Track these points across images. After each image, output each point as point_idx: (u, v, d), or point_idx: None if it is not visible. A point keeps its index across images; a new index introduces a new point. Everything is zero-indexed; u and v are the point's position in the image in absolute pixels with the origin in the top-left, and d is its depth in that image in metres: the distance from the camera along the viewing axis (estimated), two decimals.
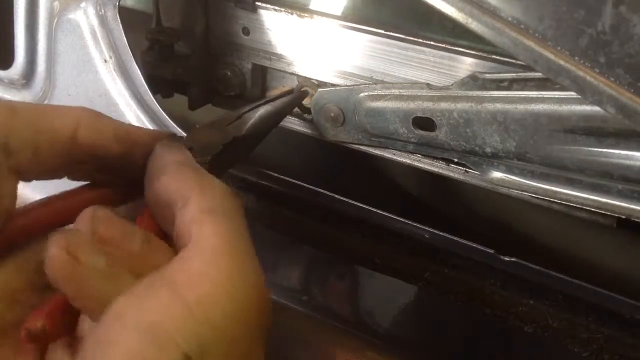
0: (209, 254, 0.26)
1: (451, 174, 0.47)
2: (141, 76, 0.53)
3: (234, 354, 0.24)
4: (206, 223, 0.27)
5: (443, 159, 0.47)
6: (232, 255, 0.26)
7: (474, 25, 0.34)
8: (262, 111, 0.42)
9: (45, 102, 0.57)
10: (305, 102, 0.51)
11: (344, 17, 0.48)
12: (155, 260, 0.28)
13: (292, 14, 0.49)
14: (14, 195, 0.28)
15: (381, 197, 0.59)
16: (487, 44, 0.37)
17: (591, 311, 0.48)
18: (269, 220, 0.55)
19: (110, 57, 0.54)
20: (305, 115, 0.52)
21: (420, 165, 0.48)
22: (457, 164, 0.46)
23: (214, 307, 0.24)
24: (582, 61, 0.32)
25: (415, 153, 0.48)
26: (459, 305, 0.50)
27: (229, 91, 0.56)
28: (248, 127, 0.41)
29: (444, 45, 0.44)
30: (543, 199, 0.43)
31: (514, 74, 0.40)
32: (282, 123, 0.54)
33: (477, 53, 0.43)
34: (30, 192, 0.31)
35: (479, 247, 0.51)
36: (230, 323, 0.24)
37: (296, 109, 0.53)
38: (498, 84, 0.41)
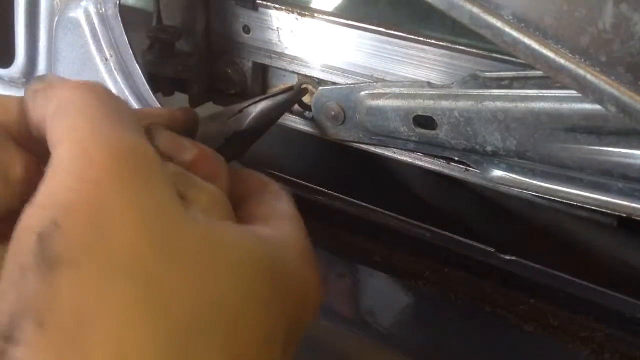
0: (54, 160, 0.22)
1: (452, 173, 0.47)
2: (142, 75, 0.53)
3: (101, 208, 0.21)
4: (49, 131, 0.24)
5: (444, 158, 0.47)
6: (74, 141, 0.22)
7: (474, 24, 0.34)
8: (262, 106, 0.43)
9: None
10: (306, 99, 0.52)
11: (345, 16, 0.48)
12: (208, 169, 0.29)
13: (292, 12, 0.49)
14: None
15: (382, 195, 0.59)
16: (487, 42, 0.37)
17: (592, 310, 0.48)
18: None
19: (111, 56, 0.54)
20: (306, 113, 0.52)
21: (421, 163, 0.48)
22: (457, 162, 0.46)
23: (59, 190, 0.21)
24: (583, 60, 0.32)
25: (416, 152, 0.48)
26: (459, 304, 0.50)
27: (229, 89, 0.56)
28: (249, 121, 0.41)
29: (444, 44, 0.44)
30: (544, 197, 0.43)
31: (515, 73, 0.40)
32: (282, 121, 0.54)
33: (477, 52, 0.43)
34: None
35: (480, 245, 0.51)
36: (77, 190, 0.21)
37: (297, 107, 0.53)
38: (499, 83, 0.41)
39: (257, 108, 0.42)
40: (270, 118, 0.43)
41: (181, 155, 0.30)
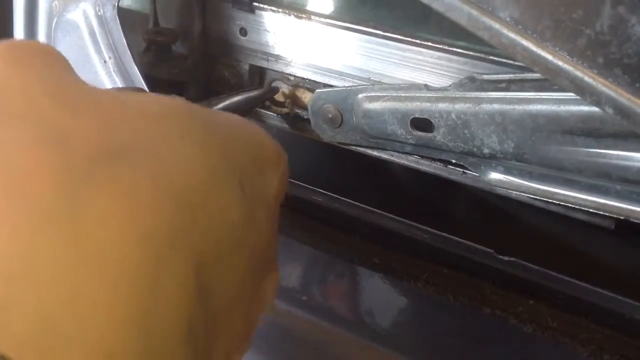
0: None
1: (449, 175, 0.47)
2: (140, 77, 0.53)
3: None
4: None
5: (441, 160, 0.47)
6: None
7: (472, 25, 0.34)
8: (228, 102, 0.45)
9: None
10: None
11: (342, 18, 0.48)
12: None
13: (289, 14, 0.49)
14: None
15: (380, 197, 0.59)
16: (485, 45, 0.36)
17: (591, 311, 0.48)
18: None
19: (110, 58, 0.54)
20: (283, 110, 0.53)
21: (418, 166, 0.48)
22: (455, 165, 0.46)
23: None
24: (580, 62, 0.32)
25: (413, 154, 0.48)
26: (458, 306, 0.50)
27: (226, 92, 0.56)
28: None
29: (441, 47, 0.44)
30: (541, 199, 0.43)
31: (512, 75, 0.40)
32: (280, 124, 0.54)
33: (475, 54, 0.43)
34: None
35: (478, 246, 0.51)
36: None
37: (296, 110, 0.53)
38: (496, 85, 0.41)
39: (224, 102, 0.45)
40: (237, 112, 0.45)
41: None
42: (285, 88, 0.52)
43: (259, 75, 0.55)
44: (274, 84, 0.52)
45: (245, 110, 0.47)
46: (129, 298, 0.16)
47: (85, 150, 0.17)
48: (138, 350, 0.16)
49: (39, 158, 0.16)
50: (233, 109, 0.45)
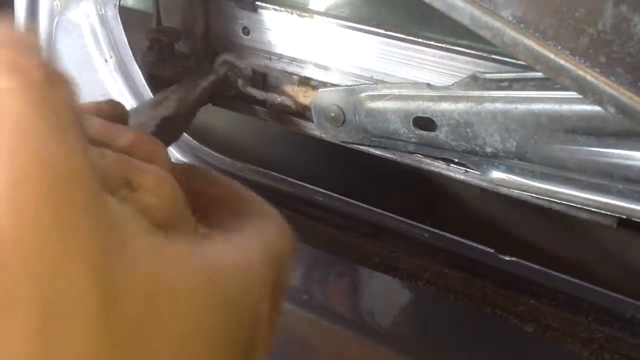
0: None
1: (451, 174, 0.47)
2: (141, 76, 0.53)
3: None
4: None
5: (443, 159, 0.47)
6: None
7: (474, 24, 0.34)
8: (184, 91, 0.45)
9: None
10: (306, 102, 0.52)
11: (345, 17, 0.48)
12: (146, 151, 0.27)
13: (292, 13, 0.49)
14: None
15: (381, 196, 0.59)
16: (487, 43, 0.37)
17: (592, 311, 0.48)
18: None
19: (111, 57, 0.54)
20: (285, 108, 0.53)
21: (421, 165, 0.48)
22: (457, 163, 0.46)
23: None
24: (582, 61, 0.32)
25: (416, 153, 0.48)
26: (459, 305, 0.50)
27: (229, 91, 0.56)
28: (174, 106, 0.43)
29: (444, 45, 0.44)
30: (543, 199, 0.43)
31: (514, 74, 0.40)
32: (282, 123, 0.54)
33: (477, 53, 0.43)
34: None
35: (479, 246, 0.51)
36: None
37: (297, 109, 0.53)
38: (498, 84, 0.41)
39: (181, 93, 0.45)
40: (196, 102, 0.46)
41: (116, 141, 0.27)
42: (288, 86, 0.52)
43: (261, 74, 0.55)
44: (222, 57, 0.51)
45: (203, 99, 0.47)
46: None
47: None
48: None
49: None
50: (190, 99, 0.45)
